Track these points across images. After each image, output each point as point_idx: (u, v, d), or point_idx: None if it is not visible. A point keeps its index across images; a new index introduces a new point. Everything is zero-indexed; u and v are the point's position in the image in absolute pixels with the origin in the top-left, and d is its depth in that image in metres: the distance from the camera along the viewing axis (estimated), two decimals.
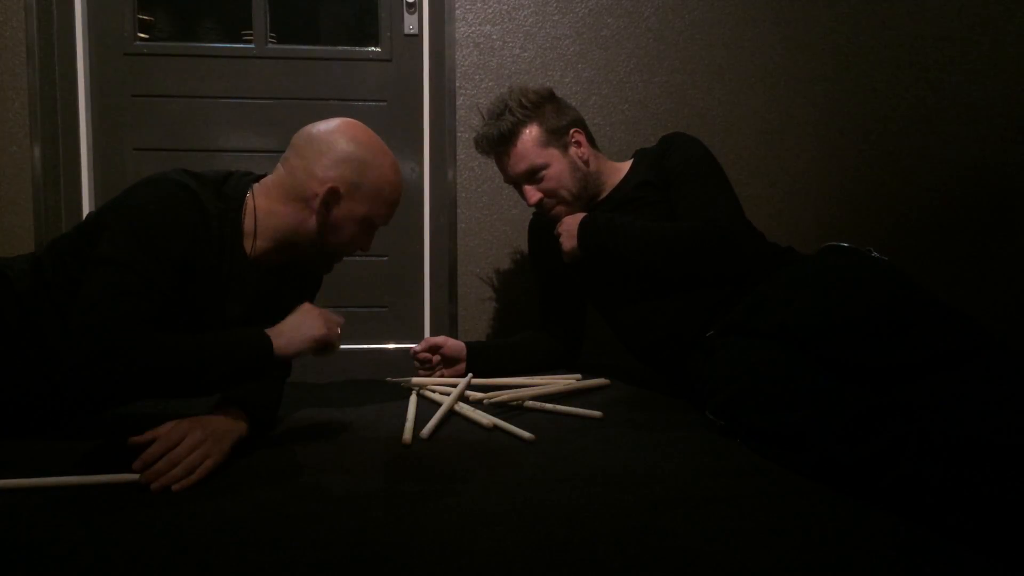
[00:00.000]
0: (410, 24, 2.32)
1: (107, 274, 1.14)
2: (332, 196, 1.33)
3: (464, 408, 1.53)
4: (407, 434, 1.35)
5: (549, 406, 1.55)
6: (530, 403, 1.58)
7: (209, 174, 1.33)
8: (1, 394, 1.28)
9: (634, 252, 1.62)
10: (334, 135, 1.35)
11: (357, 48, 2.35)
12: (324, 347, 1.27)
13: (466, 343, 1.83)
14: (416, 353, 1.80)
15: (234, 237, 1.31)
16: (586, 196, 1.77)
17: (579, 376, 1.81)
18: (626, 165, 1.83)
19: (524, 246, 2.11)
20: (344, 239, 1.39)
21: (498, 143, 1.74)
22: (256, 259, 1.34)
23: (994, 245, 2.43)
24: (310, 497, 1.07)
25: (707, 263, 1.59)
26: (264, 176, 1.39)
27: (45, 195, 2.12)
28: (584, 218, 1.68)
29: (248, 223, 1.32)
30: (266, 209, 1.33)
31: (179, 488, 1.07)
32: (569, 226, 1.70)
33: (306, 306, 1.30)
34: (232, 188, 1.33)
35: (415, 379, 1.73)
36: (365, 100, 2.34)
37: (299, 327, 1.25)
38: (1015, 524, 0.88)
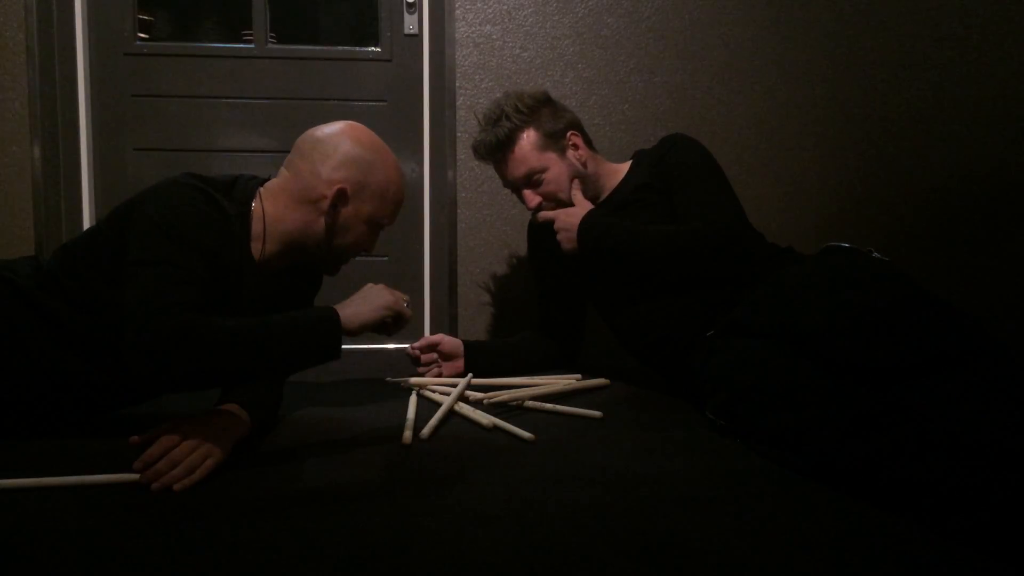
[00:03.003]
0: (410, 24, 2.32)
1: (146, 274, 1.13)
2: (340, 197, 1.34)
3: (464, 408, 1.53)
4: (407, 434, 1.35)
5: (549, 406, 1.56)
6: (530, 403, 1.58)
7: (217, 178, 1.33)
8: (4, 395, 1.28)
9: (635, 255, 1.62)
10: (338, 137, 1.37)
11: (357, 48, 2.35)
12: (394, 318, 1.25)
13: (464, 341, 1.83)
14: (412, 348, 1.79)
15: (243, 241, 1.32)
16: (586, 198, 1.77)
17: (579, 376, 1.80)
18: (625, 166, 1.83)
19: (524, 246, 2.11)
20: (351, 240, 1.40)
21: (496, 149, 1.74)
22: (263, 263, 1.35)
23: (994, 245, 2.43)
24: (310, 497, 1.07)
25: (708, 264, 1.59)
26: (267, 179, 1.40)
27: (45, 195, 2.12)
28: (583, 221, 1.67)
29: (256, 227, 1.33)
30: (274, 214, 1.34)
31: (180, 488, 1.07)
32: (567, 225, 1.69)
33: (368, 285, 1.29)
34: (240, 192, 1.34)
35: (415, 379, 1.73)
36: (365, 100, 2.33)
37: (365, 300, 1.24)
38: (1015, 524, 0.88)
